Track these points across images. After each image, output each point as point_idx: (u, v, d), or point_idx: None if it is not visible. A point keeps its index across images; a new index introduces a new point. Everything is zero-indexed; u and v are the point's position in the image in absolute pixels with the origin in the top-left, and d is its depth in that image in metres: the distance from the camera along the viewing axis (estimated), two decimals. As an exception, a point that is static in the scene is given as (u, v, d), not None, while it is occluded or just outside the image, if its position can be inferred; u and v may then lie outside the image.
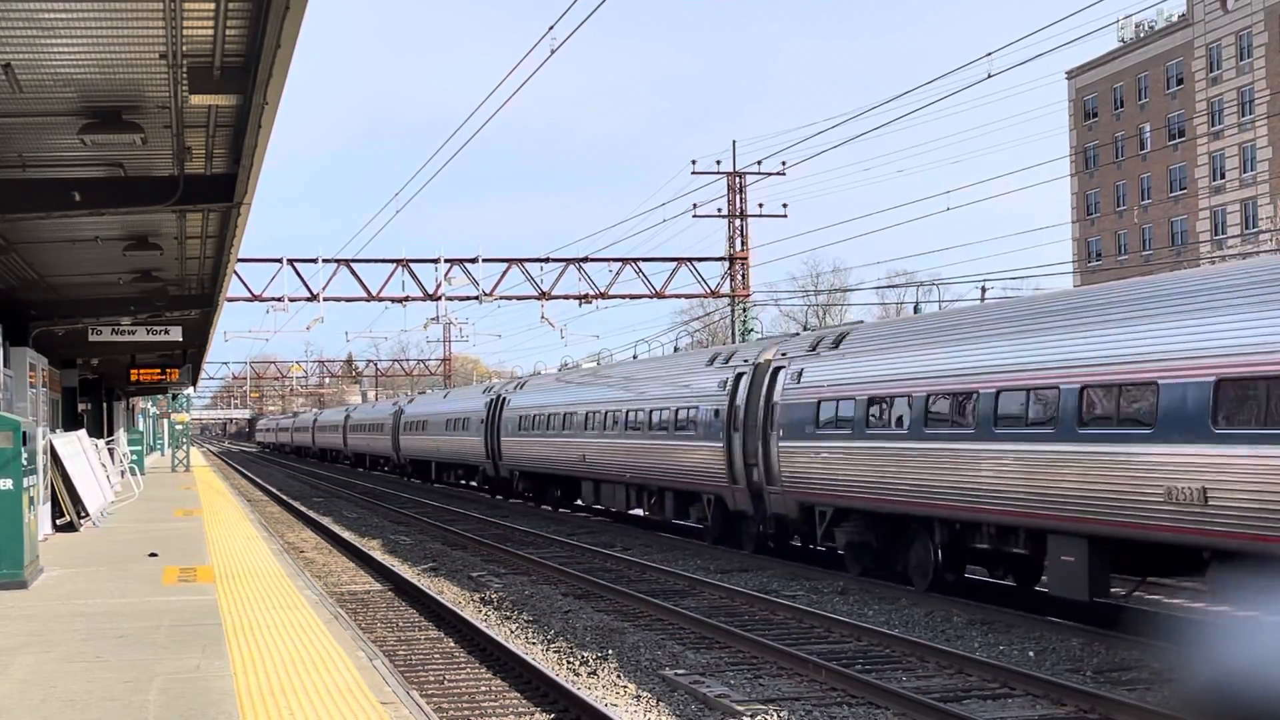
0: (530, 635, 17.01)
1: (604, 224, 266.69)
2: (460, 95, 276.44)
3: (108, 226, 19.79)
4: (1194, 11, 79.17)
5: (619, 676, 14.14)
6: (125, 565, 18.90)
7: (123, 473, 39.38)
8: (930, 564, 18.87)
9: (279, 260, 46.88)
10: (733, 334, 51.42)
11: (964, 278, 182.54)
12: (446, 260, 48.45)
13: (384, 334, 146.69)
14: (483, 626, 16.82)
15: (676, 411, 28.22)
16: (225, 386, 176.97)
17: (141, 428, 70.16)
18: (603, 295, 49.30)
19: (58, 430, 29.61)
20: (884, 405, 19.74)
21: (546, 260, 49.31)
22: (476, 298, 48.59)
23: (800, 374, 22.47)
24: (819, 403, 21.48)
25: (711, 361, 27.36)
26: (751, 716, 12.18)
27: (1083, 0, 75.42)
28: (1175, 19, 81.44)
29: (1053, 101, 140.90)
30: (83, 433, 30.22)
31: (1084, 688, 12.81)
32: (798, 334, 25.26)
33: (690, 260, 49.75)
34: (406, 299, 48.65)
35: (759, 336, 49.55)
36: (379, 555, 26.59)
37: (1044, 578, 17.20)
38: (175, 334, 32.32)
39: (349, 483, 62.20)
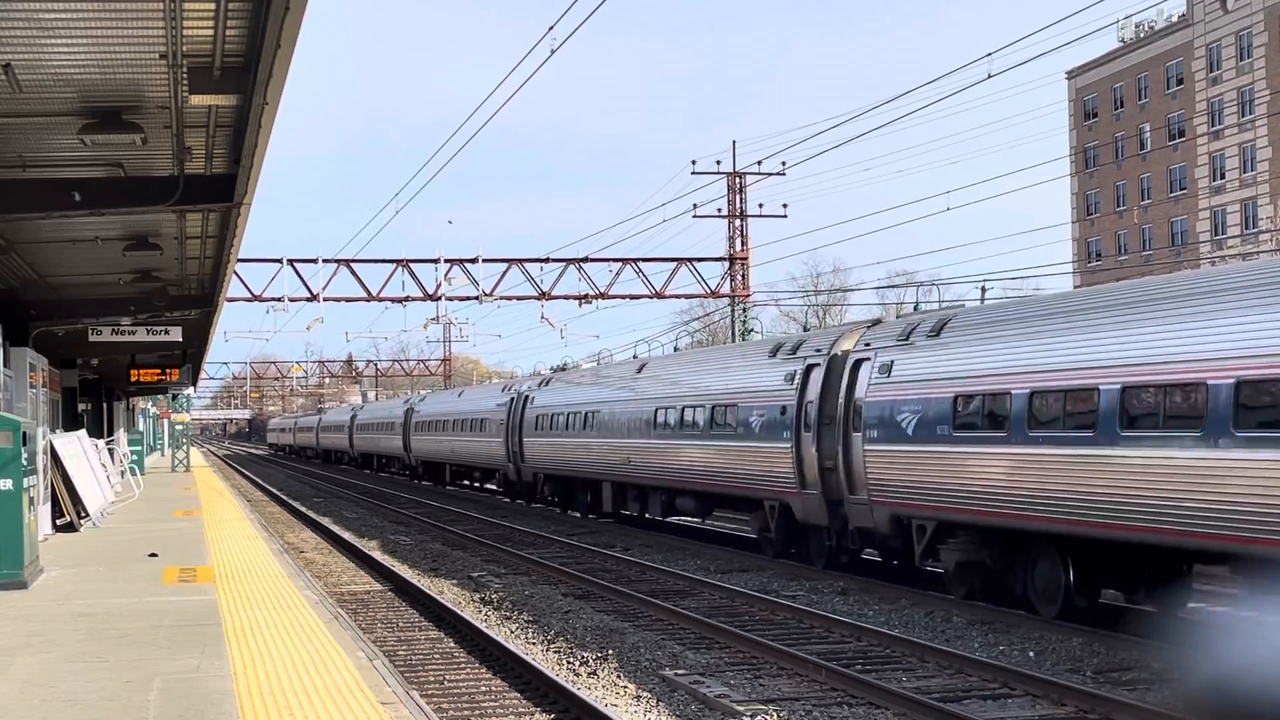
0: (530, 635, 17.00)
1: (604, 224, 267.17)
2: (460, 95, 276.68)
3: (108, 226, 19.80)
4: (1194, 11, 79.17)
5: (619, 676, 14.13)
6: (125, 565, 18.89)
7: (123, 473, 39.38)
8: (1060, 587, 16.47)
9: (279, 260, 46.90)
10: (733, 334, 51.42)
11: (964, 278, 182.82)
12: (446, 260, 48.47)
13: (384, 334, 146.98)
14: (483, 626, 16.82)
15: (727, 409, 25.55)
16: (225, 387, 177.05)
17: (141, 428, 70.16)
18: (603, 295, 49.31)
19: (58, 430, 29.61)
20: (1002, 402, 17.03)
21: (546, 260, 49.32)
22: (476, 298, 48.60)
23: (890, 366, 19.83)
24: (917, 399, 18.87)
25: (774, 353, 24.49)
26: (751, 716, 12.18)
27: (1083, 0, 75.45)
28: (1175, 19, 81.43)
29: (1053, 101, 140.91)
30: (83, 433, 30.22)
31: (1084, 688, 12.81)
32: (877, 321, 22.10)
33: (690, 260, 49.75)
34: (406, 299, 48.67)
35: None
36: (379, 555, 26.59)
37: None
38: (175, 334, 32.33)
39: (349, 483, 62.21)
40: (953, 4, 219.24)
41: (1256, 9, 74.18)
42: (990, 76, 67.37)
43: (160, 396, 73.00)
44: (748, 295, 51.24)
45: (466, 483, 55.09)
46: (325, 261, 47.55)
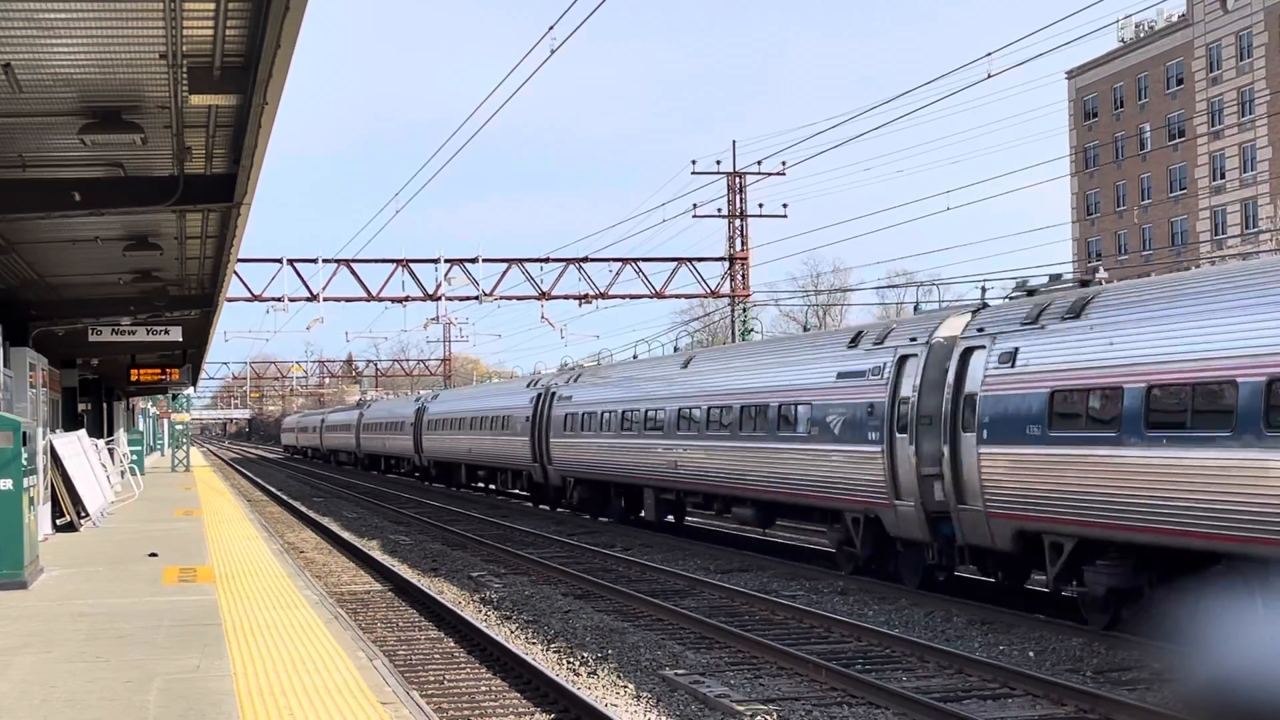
0: (530, 635, 17.00)
1: (604, 224, 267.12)
2: (461, 95, 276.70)
3: (108, 226, 19.79)
4: (1194, 11, 79.17)
5: (619, 676, 14.14)
6: (125, 565, 18.90)
7: (123, 473, 39.39)
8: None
9: (279, 260, 46.90)
10: (733, 334, 51.42)
11: (964, 278, 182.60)
12: (446, 260, 48.46)
13: (384, 334, 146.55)
14: (483, 626, 16.83)
15: (797, 408, 22.66)
16: (225, 386, 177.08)
17: (141, 428, 70.17)
18: (603, 295, 49.31)
19: (58, 430, 29.61)
20: (1215, 395, 13.66)
21: (546, 260, 49.31)
22: (476, 298, 48.59)
23: (1014, 355, 16.90)
24: (1053, 394, 15.89)
25: (854, 342, 21.54)
26: (751, 716, 12.18)
27: (1083, 0, 75.50)
28: (1175, 19, 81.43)
29: (1053, 101, 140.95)
30: (83, 433, 30.22)
31: (1084, 688, 12.81)
32: (984, 305, 19.25)
33: (690, 260, 49.75)
34: (406, 299, 48.67)
35: (755, 332, 49.61)
36: (379, 555, 26.59)
37: None
38: (175, 334, 32.32)
39: (350, 483, 62.21)
40: (953, 4, 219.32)
41: (1256, 9, 74.19)
42: (990, 76, 67.44)
43: (160, 396, 73.03)
44: (748, 295, 51.23)
45: (481, 486, 51.80)
46: (325, 261, 47.57)
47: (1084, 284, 17.99)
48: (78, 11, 10.56)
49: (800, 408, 22.53)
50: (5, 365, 24.00)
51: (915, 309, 25.30)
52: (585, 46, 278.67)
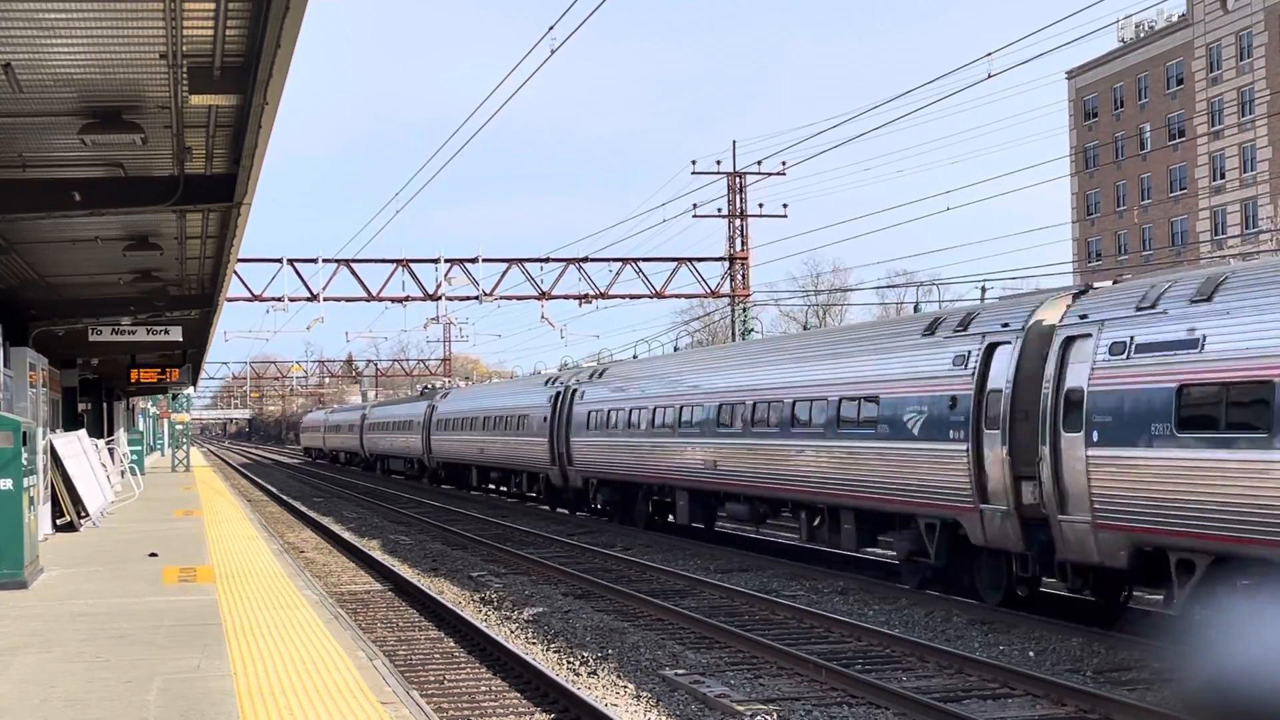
0: (530, 635, 17.00)
1: (604, 224, 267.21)
2: (461, 96, 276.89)
3: (108, 226, 19.78)
4: (1194, 11, 79.16)
5: (619, 676, 14.14)
6: (125, 565, 18.89)
7: (123, 473, 39.39)
8: None
9: (279, 260, 46.90)
10: (733, 334, 51.41)
11: (964, 278, 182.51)
12: (446, 260, 48.46)
13: (384, 334, 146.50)
14: (483, 626, 16.83)
15: (862, 402, 20.61)
16: (225, 386, 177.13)
17: (141, 428, 70.15)
18: (603, 295, 49.31)
19: (58, 430, 29.61)
20: None
21: (546, 260, 49.32)
22: (476, 298, 48.58)
23: (1128, 343, 14.94)
24: (1181, 388, 14.01)
25: (931, 329, 19.49)
26: (751, 716, 12.18)
27: (1083, 0, 75.47)
28: (1175, 19, 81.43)
29: (1053, 101, 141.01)
30: (83, 433, 30.22)
31: (1084, 688, 12.82)
32: (1087, 288, 17.23)
33: (690, 260, 49.75)
34: (406, 299, 48.66)
35: (753, 334, 49.58)
36: (379, 555, 26.59)
37: None
38: (175, 334, 32.31)
39: (350, 483, 62.19)
40: (953, 4, 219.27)
41: (1256, 9, 74.18)
42: (990, 76, 67.45)
43: (160, 396, 73.00)
44: (748, 295, 51.23)
45: (491, 488, 49.59)
46: (325, 261, 47.57)
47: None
48: (78, 11, 10.56)
49: (865, 403, 20.50)
50: (5, 365, 24.00)
51: (915, 309, 25.18)
52: (585, 46, 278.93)
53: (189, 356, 47.15)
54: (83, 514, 25.40)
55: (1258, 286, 13.88)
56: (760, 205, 51.81)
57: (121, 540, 22.78)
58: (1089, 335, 15.73)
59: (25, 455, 16.65)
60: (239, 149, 15.05)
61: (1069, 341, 16.08)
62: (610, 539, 29.82)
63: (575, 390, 36.03)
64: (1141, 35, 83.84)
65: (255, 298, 47.13)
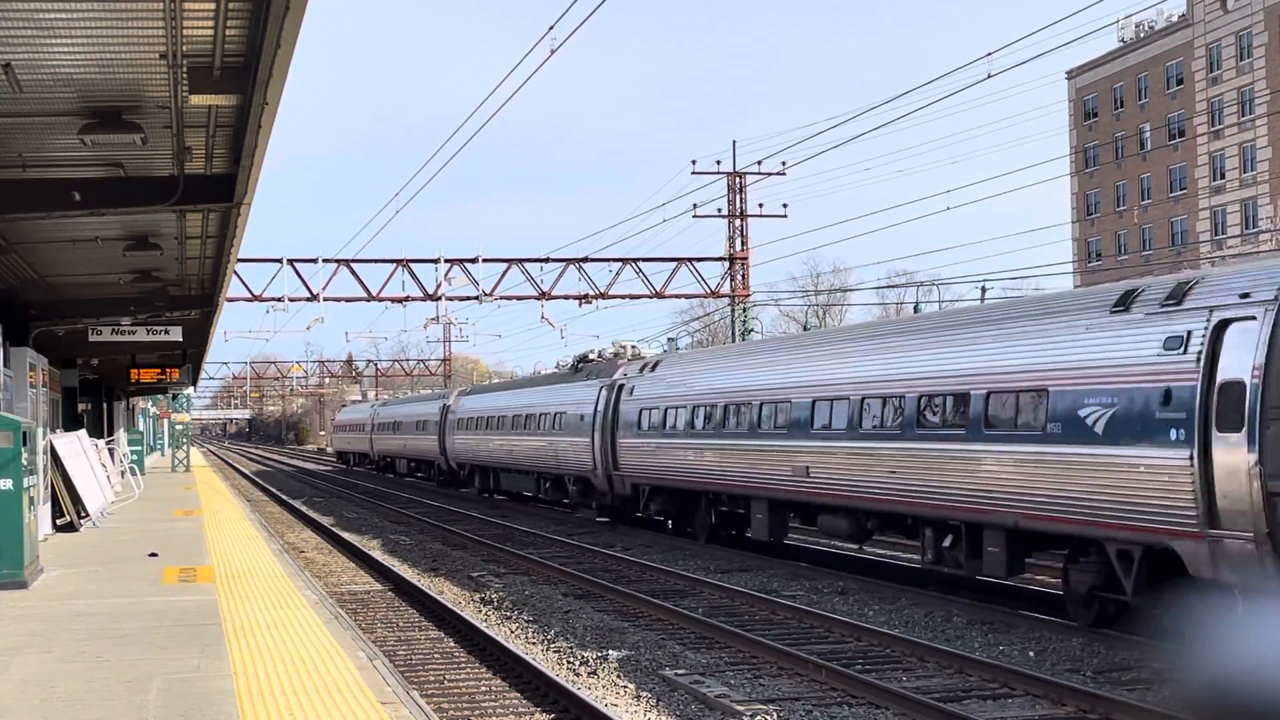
0: (530, 635, 17.00)
1: (604, 224, 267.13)
2: (461, 96, 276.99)
3: (108, 226, 19.78)
4: (1194, 11, 79.17)
5: (619, 676, 14.14)
6: (125, 565, 18.89)
7: (123, 473, 39.38)
8: None
9: (279, 260, 46.91)
10: (733, 334, 51.42)
11: (964, 278, 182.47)
12: (446, 260, 48.48)
13: (384, 334, 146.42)
14: (483, 626, 16.83)
15: (1020, 396, 16.84)
16: (225, 386, 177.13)
17: (141, 428, 70.15)
18: (603, 295, 49.31)
19: (58, 430, 29.61)
20: None
21: (546, 260, 49.33)
22: (476, 298, 48.59)
23: None
24: None
25: (1125, 304, 15.61)
26: (751, 716, 12.19)
27: (1083, 0, 75.49)
28: (1175, 19, 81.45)
29: (1053, 101, 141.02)
30: (83, 433, 30.22)
31: (1084, 688, 12.81)
32: None
33: (690, 260, 49.75)
34: (406, 299, 48.67)
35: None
36: (379, 555, 26.59)
37: None
38: (175, 334, 32.31)
39: (350, 483, 62.19)
40: (953, 4, 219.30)
41: (1256, 9, 74.19)
42: (990, 76, 67.47)
43: (160, 396, 72.99)
44: (748, 295, 51.24)
45: (515, 494, 45.47)
46: (325, 261, 47.58)
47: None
48: (78, 11, 10.56)
49: (1028, 397, 16.70)
50: (5, 365, 24.00)
51: (915, 309, 24.90)
52: (585, 46, 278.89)
53: (189, 356, 47.14)
54: (83, 514, 25.40)
55: None
56: (760, 205, 51.87)
57: (121, 540, 22.78)
58: None
59: (25, 455, 16.65)
60: (239, 149, 15.05)
61: None
62: (610, 539, 29.81)
63: (623, 385, 32.34)
64: (1141, 35, 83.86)
65: (255, 298, 47.14)
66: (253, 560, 19.69)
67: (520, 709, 12.72)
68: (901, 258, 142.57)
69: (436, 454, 54.92)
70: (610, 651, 15.45)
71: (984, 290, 23.43)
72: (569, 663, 15.01)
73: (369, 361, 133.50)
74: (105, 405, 55.08)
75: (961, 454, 17.88)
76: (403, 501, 45.96)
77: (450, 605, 18.88)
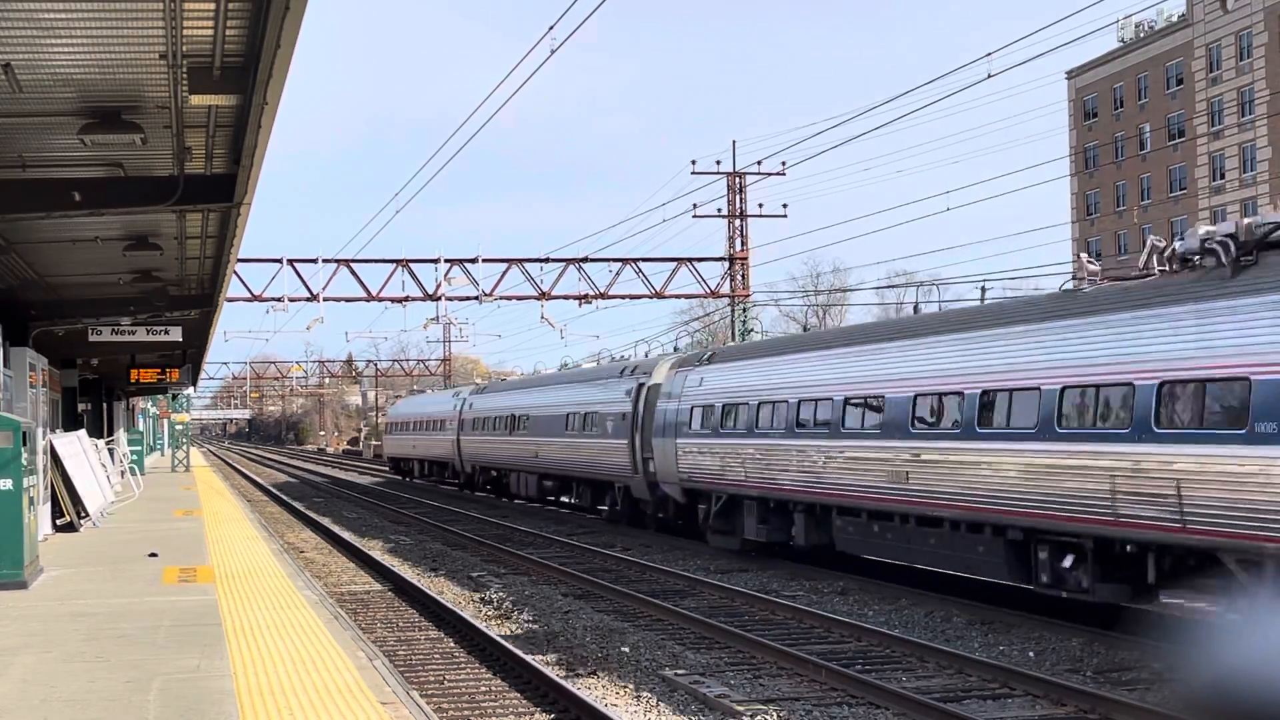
0: (530, 635, 17.00)
1: (604, 224, 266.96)
2: (461, 96, 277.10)
3: (108, 226, 19.78)
4: (1194, 11, 79.18)
5: (619, 676, 14.14)
6: (125, 565, 18.89)
7: (123, 473, 39.38)
8: None
9: (279, 260, 46.87)
10: (733, 334, 51.41)
11: (964, 278, 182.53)
12: (446, 260, 48.44)
13: (384, 334, 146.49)
14: (483, 626, 16.83)
15: (1227, 387, 13.24)
16: (225, 386, 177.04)
17: (141, 428, 70.15)
18: (603, 295, 49.28)
19: (58, 430, 29.61)
20: None
21: (546, 260, 49.30)
22: (476, 298, 48.56)
23: None
24: None
25: None
26: (751, 716, 12.19)
27: (1083, 0, 75.50)
28: (1175, 19, 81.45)
29: (1053, 101, 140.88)
30: (83, 433, 30.22)
31: (1084, 688, 12.82)
32: None
33: (690, 260, 49.73)
34: (406, 299, 48.64)
35: (759, 333, 49.47)
36: (379, 555, 26.59)
37: None
38: (175, 334, 32.30)
39: (350, 483, 62.19)
40: (953, 4, 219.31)
41: (1256, 9, 74.20)
42: (990, 76, 67.47)
43: (160, 396, 73.00)
44: (748, 295, 51.22)
45: (517, 496, 43.18)
46: (325, 261, 47.52)
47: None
48: (78, 11, 10.56)
49: (1230, 388, 13.16)
50: (5, 365, 24.00)
51: (915, 310, 24.94)
52: (585, 46, 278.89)
53: (189, 356, 47.13)
54: (83, 514, 25.40)
55: None
56: (760, 205, 51.81)
57: (121, 540, 22.78)
58: None
59: (25, 455, 16.65)
60: (239, 149, 15.05)
61: None
62: (610, 539, 29.81)
63: (675, 380, 28.73)
64: (1141, 35, 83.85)
65: (255, 298, 47.11)
66: (252, 560, 19.69)
67: (520, 709, 12.72)
68: (901, 258, 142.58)
69: (453, 455, 50.79)
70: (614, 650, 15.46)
71: (984, 290, 23.28)
72: (569, 663, 15.01)
73: (369, 362, 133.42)
74: (105, 405, 55.08)
75: (1133, 457, 14.45)
76: (402, 502, 45.97)
77: (450, 605, 18.89)
